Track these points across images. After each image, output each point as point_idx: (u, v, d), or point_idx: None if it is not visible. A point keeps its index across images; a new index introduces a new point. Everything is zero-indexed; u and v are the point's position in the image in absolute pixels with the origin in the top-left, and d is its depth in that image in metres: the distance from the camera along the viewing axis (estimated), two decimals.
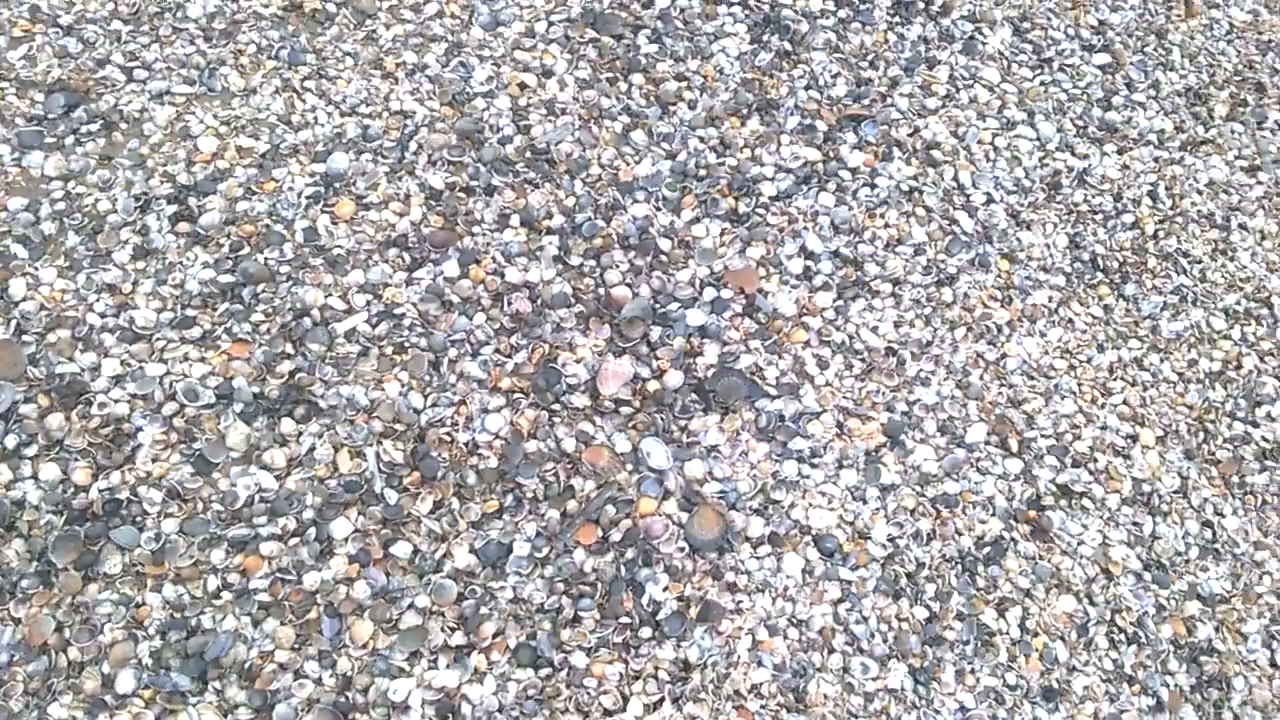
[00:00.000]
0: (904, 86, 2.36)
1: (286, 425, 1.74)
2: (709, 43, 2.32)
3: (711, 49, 2.31)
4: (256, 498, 1.68)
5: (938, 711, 1.75)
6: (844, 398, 1.97)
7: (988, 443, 2.01)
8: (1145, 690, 1.85)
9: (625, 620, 1.70)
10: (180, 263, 1.85)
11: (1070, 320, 2.19)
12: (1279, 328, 2.27)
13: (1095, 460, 2.03)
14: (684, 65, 2.27)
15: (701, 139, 2.18)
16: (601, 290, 1.96)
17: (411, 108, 2.07)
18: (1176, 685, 1.87)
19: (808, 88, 2.31)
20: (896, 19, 2.47)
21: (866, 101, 2.31)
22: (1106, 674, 1.85)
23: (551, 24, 2.25)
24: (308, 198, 1.94)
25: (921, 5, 2.50)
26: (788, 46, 2.36)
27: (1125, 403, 2.12)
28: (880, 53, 2.41)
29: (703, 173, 2.14)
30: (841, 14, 2.43)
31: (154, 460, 1.69)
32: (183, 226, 1.88)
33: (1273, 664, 1.94)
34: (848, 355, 2.02)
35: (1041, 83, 2.46)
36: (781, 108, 2.26)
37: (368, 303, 1.87)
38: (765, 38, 2.36)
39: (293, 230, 1.91)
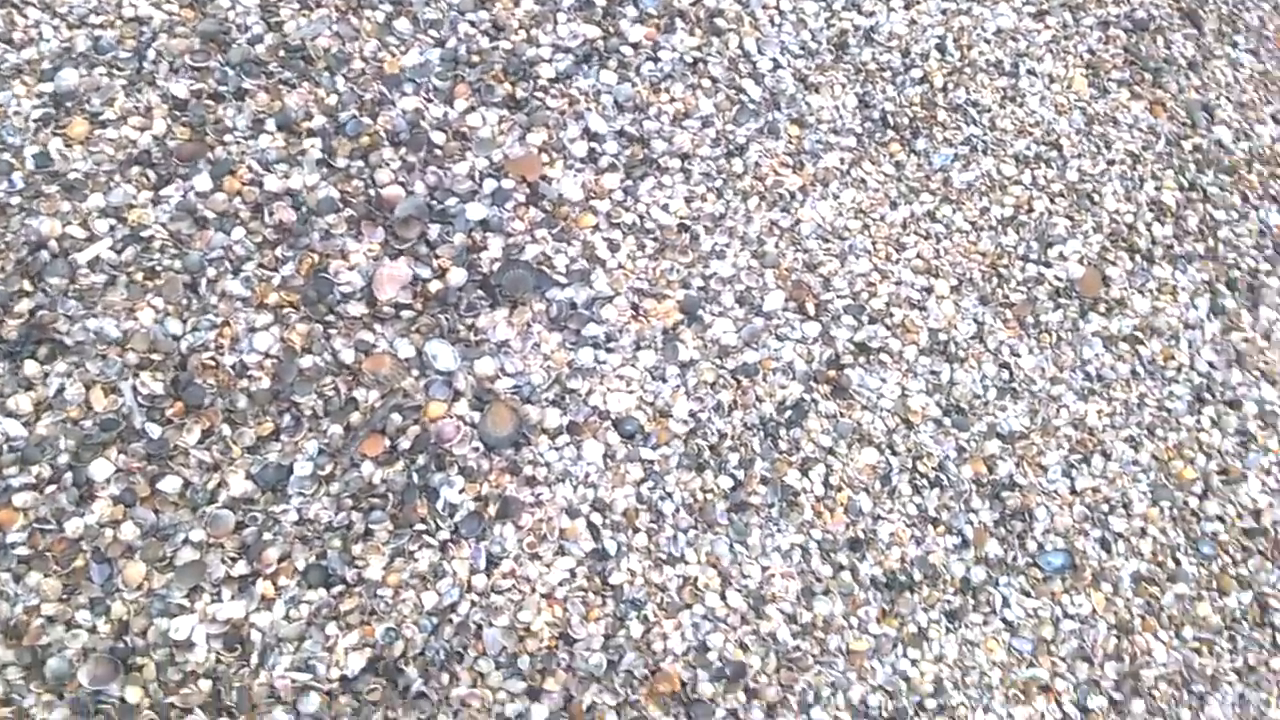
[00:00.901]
0: None
1: (30, 368, 1.58)
2: None
3: None
4: (4, 447, 1.53)
5: (747, 575, 1.70)
6: (638, 279, 1.89)
7: (785, 309, 1.95)
8: (950, 530, 1.85)
9: (421, 527, 1.61)
10: None
11: (863, 180, 2.12)
12: (1068, 168, 2.24)
13: (891, 315, 2.00)
14: None
15: (472, 23, 2.03)
16: (372, 192, 1.82)
17: (147, 13, 1.87)
18: (980, 522, 1.87)
19: None
20: None
21: None
22: (911, 519, 1.83)
23: None
24: (36, 120, 1.74)
25: None
26: None
27: (919, 256, 2.07)
28: None
29: (475, 59, 1.99)
30: None
31: None
32: None
33: (1073, 491, 1.95)
34: (639, 235, 1.93)
35: None
36: None
37: (111, 228, 1.70)
38: None
39: (21, 158, 1.71)
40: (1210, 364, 2.15)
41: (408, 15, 1.99)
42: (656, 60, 2.09)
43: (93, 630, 1.47)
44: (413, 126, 1.89)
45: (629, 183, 1.96)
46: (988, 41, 2.35)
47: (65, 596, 1.48)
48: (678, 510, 1.72)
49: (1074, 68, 2.40)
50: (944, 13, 2.35)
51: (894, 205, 2.11)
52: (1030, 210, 2.18)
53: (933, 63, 2.28)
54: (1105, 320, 2.11)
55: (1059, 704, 1.80)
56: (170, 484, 1.55)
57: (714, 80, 2.10)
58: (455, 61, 1.98)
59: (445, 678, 1.55)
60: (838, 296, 1.98)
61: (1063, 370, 2.04)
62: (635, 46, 2.09)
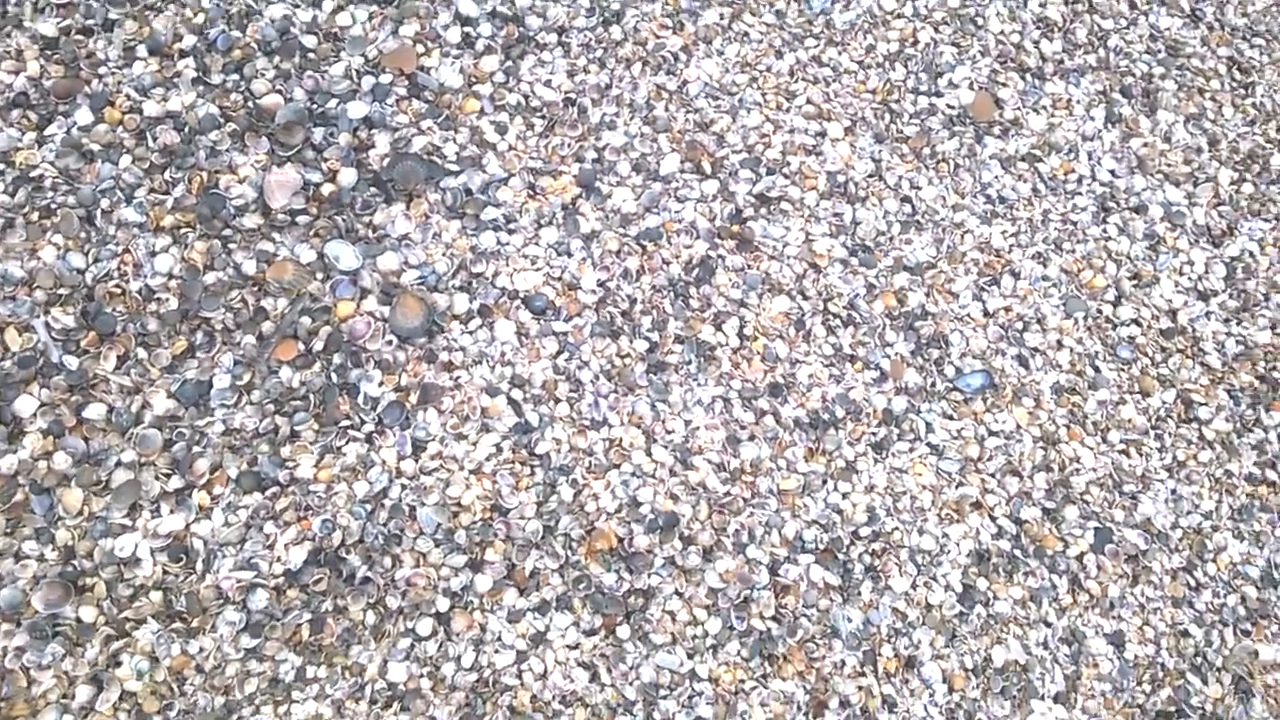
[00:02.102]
0: None
1: None
2: None
3: None
4: None
5: (671, 430, 1.88)
6: (530, 158, 2.02)
7: (682, 171, 2.09)
8: (868, 365, 2.02)
9: (345, 423, 1.76)
10: None
11: (745, 33, 2.26)
12: None
13: (788, 164, 2.14)
14: None
15: None
16: (251, 104, 1.94)
17: None
18: (897, 354, 2.04)
19: None
20: None
21: None
22: (828, 359, 2.00)
23: None
24: None
25: None
26: None
27: (810, 101, 2.22)
28: None
29: None
30: None
31: None
32: None
33: (985, 314, 2.13)
34: (526, 115, 2.06)
35: None
36: None
37: (0, 172, 1.81)
38: None
39: None
40: (1112, 173, 2.32)
41: None
42: None
43: (41, 559, 1.62)
44: (283, 34, 2.00)
45: (509, 63, 2.09)
46: None
47: (9, 530, 1.63)
48: (596, 378, 1.88)
49: None
50: None
51: (779, 55, 2.25)
52: (915, 43, 2.33)
53: None
54: (1002, 142, 2.28)
55: (992, 518, 2.00)
56: (95, 411, 1.70)
57: None
58: None
59: (387, 561, 1.73)
60: (733, 152, 2.13)
61: (964, 197, 2.20)
62: None
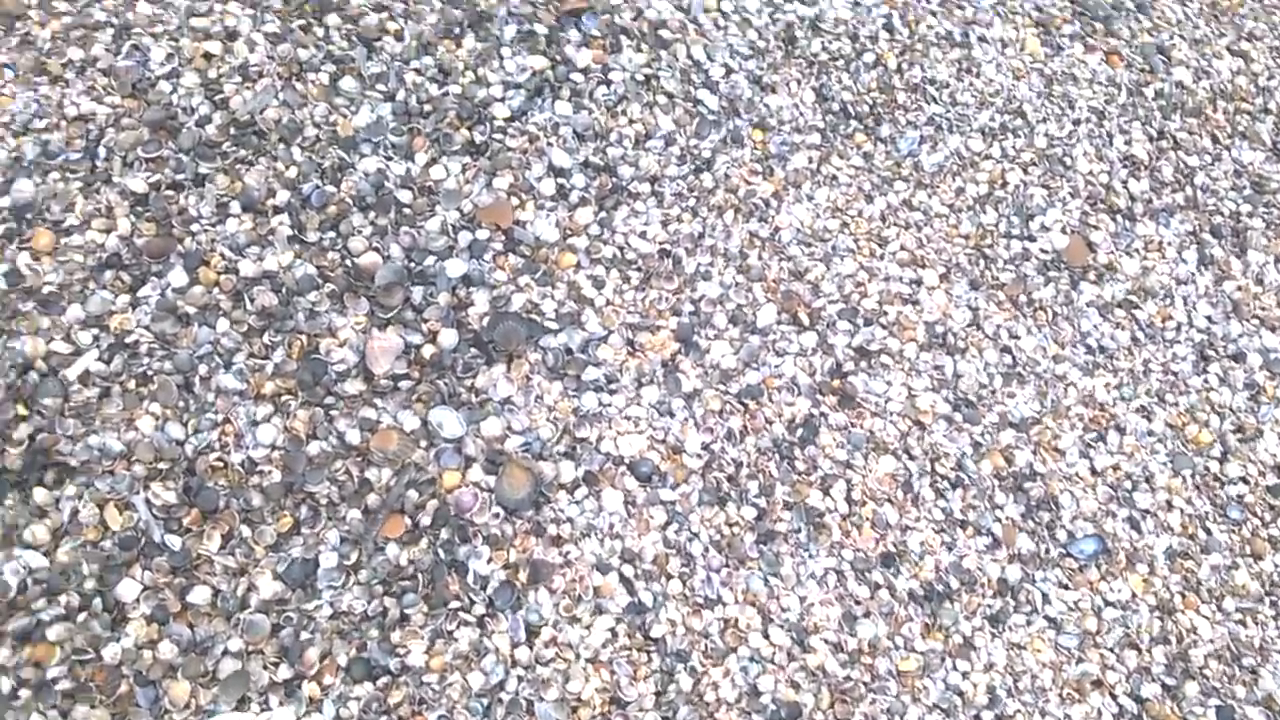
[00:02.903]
0: None
1: (40, 495, 1.72)
2: None
3: None
4: (29, 581, 1.67)
5: (786, 608, 1.89)
6: (628, 313, 2.06)
7: (779, 322, 2.13)
8: (979, 531, 2.04)
9: (455, 605, 1.77)
10: None
11: (834, 177, 2.31)
12: (1035, 134, 2.45)
13: (885, 314, 2.19)
14: None
15: (418, 70, 2.18)
16: (349, 262, 1.97)
17: (91, 109, 2.00)
18: (1008, 518, 2.07)
19: None
20: None
21: None
22: (938, 524, 2.03)
23: None
24: (0, 237, 1.87)
25: None
26: None
27: (903, 248, 2.27)
28: None
29: (428, 108, 2.15)
30: None
31: None
32: None
33: (1093, 472, 2.16)
34: (622, 268, 2.10)
35: None
36: (495, 18, 2.27)
37: (95, 338, 1.83)
38: None
39: None
40: (1208, 318, 2.37)
41: (351, 73, 2.14)
42: (609, 83, 2.26)
43: None
44: (378, 188, 2.04)
45: (603, 214, 2.13)
46: (934, 14, 2.55)
47: None
48: (706, 550, 1.90)
49: (1024, 28, 2.61)
50: None
51: (869, 199, 2.30)
52: (1005, 184, 2.39)
53: (883, 44, 2.48)
54: (1097, 288, 2.33)
55: (1113, 697, 2.01)
56: (200, 595, 1.70)
57: (669, 96, 2.28)
58: (408, 114, 2.13)
59: None
60: (829, 302, 2.17)
61: (1064, 346, 2.25)
62: (585, 72, 2.26)
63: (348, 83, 2.13)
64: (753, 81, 2.34)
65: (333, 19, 2.19)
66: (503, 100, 2.18)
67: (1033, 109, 2.47)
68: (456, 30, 2.24)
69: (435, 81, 2.18)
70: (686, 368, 2.03)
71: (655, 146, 2.21)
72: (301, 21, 2.18)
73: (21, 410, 1.76)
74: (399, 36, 2.21)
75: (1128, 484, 2.15)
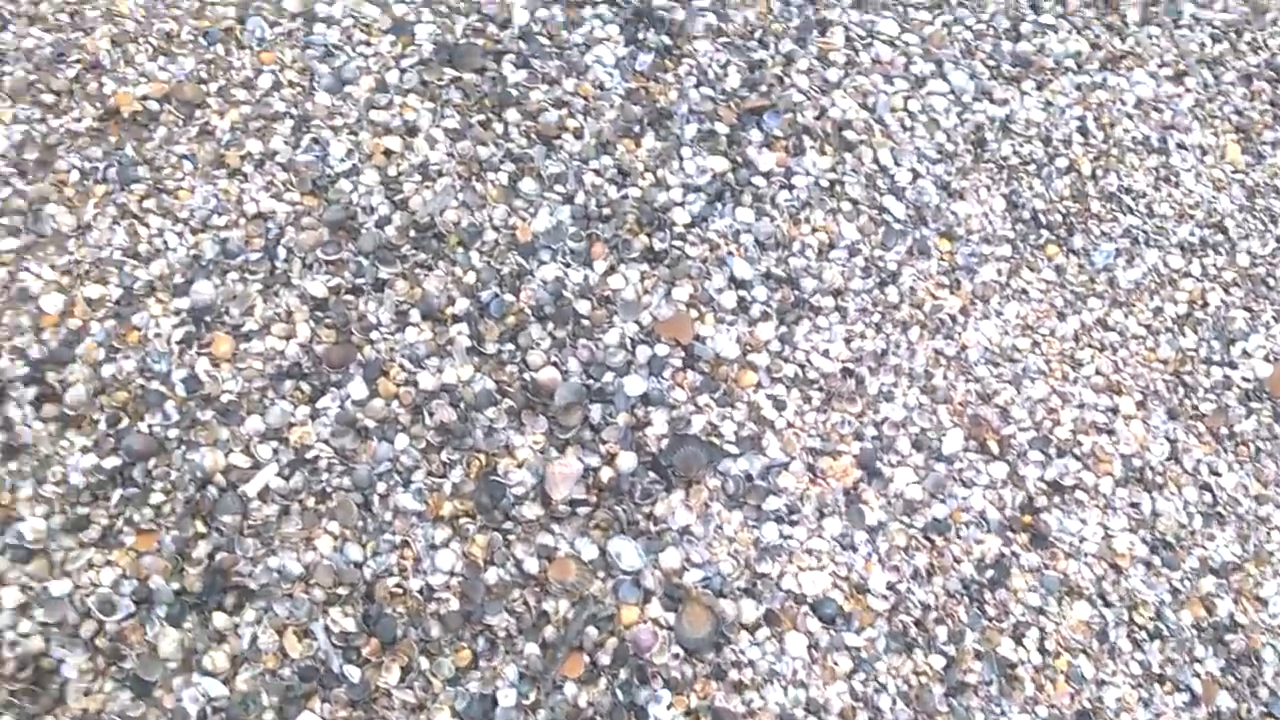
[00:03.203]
0: (800, 62, 2.34)
1: (220, 619, 1.70)
2: (581, 54, 2.26)
3: (585, 61, 2.25)
4: (208, 710, 1.65)
5: None
6: (809, 436, 1.99)
7: (967, 449, 2.05)
8: (1178, 687, 1.94)
9: None
10: (55, 454, 1.77)
11: (1024, 291, 2.23)
12: (1236, 252, 2.35)
13: (1080, 444, 2.10)
14: (560, 88, 2.22)
15: (597, 171, 2.15)
16: (528, 376, 1.93)
17: (270, 207, 1.99)
18: (1207, 673, 1.96)
19: (698, 85, 2.28)
20: None
21: (764, 89, 2.29)
22: (1136, 679, 1.93)
23: (404, 71, 2.18)
24: (179, 342, 1.86)
25: None
26: (667, 40, 2.32)
27: (1098, 372, 2.18)
28: (768, 27, 2.38)
29: (606, 211, 2.11)
30: None
31: (86, 695, 1.64)
32: (49, 410, 1.80)
33: None
34: (803, 388, 2.04)
35: (943, 24, 2.47)
36: (675, 115, 2.23)
37: (275, 451, 1.81)
38: (641, 35, 2.31)
39: (170, 385, 1.83)
40: None
41: (530, 173, 2.11)
42: (791, 188, 2.20)
43: None
44: (556, 297, 2.00)
45: (784, 329, 2.07)
46: (1130, 116, 2.45)
47: None
48: (894, 703, 1.82)
49: (1224, 134, 2.50)
50: (1079, 88, 2.46)
51: (1062, 316, 2.21)
52: (1205, 305, 2.28)
53: (1077, 148, 2.39)
54: None
55: None
56: None
57: (854, 202, 2.21)
58: (587, 218, 2.09)
59: None
60: (1019, 429, 2.09)
61: (1267, 486, 2.13)
62: (767, 176, 2.20)
63: (527, 184, 2.10)
64: (940, 187, 2.27)
65: (512, 114, 2.16)
66: (683, 205, 2.14)
67: (1234, 224, 2.37)
68: (636, 129, 2.20)
69: (614, 183, 2.14)
70: (869, 497, 1.96)
71: (839, 257, 2.15)
72: (481, 117, 2.15)
73: (200, 527, 1.75)
74: (578, 134, 2.17)
75: None
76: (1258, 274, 2.34)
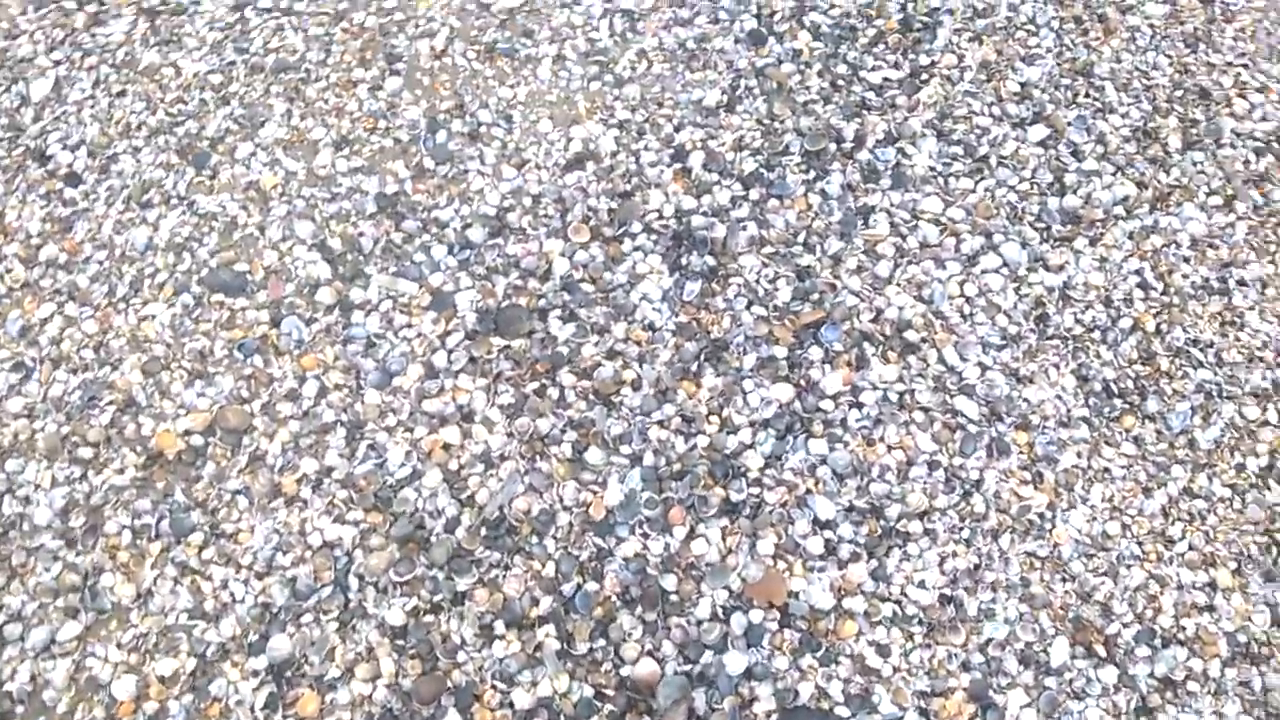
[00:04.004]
0: (848, 260, 2.19)
1: None
2: (626, 293, 2.11)
3: (632, 300, 2.10)
4: None
5: None
6: (918, 678, 1.87)
7: (1074, 657, 1.92)
8: None
9: None
10: None
11: (1106, 470, 2.09)
12: None
13: (1183, 629, 1.97)
14: (610, 337, 2.07)
15: (661, 423, 2.00)
16: (625, 672, 1.80)
17: (335, 534, 1.85)
18: None
19: (749, 305, 2.12)
20: (812, 175, 2.28)
21: (816, 297, 2.14)
22: None
23: (451, 350, 2.02)
24: (263, 708, 1.73)
25: (832, 147, 2.30)
26: (711, 261, 2.16)
27: (1191, 548, 2.04)
28: (810, 226, 2.22)
29: (677, 467, 1.96)
30: (753, 195, 2.23)
31: None
32: None
33: None
34: (904, 625, 1.91)
35: (986, 190, 2.30)
36: (732, 345, 2.08)
37: None
38: (684, 260, 2.15)
39: None
40: None
41: (594, 439, 1.96)
42: (860, 405, 2.06)
43: None
44: (640, 575, 1.87)
45: (874, 564, 1.94)
46: (1187, 260, 2.29)
47: None
48: None
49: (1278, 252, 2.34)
50: (1132, 237, 2.30)
51: (1148, 492, 2.07)
52: None
53: (1139, 305, 2.24)
54: None
55: None
56: None
57: (926, 410, 2.07)
58: (659, 479, 1.95)
59: None
60: (1123, 625, 1.96)
61: None
62: (834, 399, 2.05)
63: (593, 453, 1.96)
64: (1009, 375, 2.12)
65: (566, 377, 2.02)
66: (753, 446, 1.99)
67: None
68: (694, 367, 2.05)
69: (681, 434, 1.99)
70: None
71: (919, 475, 2.01)
72: (535, 384, 2.00)
73: None
74: (636, 386, 2.02)
75: None
76: None
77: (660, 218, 2.18)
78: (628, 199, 2.20)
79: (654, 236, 2.16)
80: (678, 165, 2.24)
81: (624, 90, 2.33)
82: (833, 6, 2.48)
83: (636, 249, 2.15)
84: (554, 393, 2.01)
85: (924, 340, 2.13)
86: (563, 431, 1.97)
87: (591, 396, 2.01)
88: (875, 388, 2.07)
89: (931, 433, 2.06)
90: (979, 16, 2.55)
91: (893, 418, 2.06)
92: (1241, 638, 1.98)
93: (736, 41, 2.41)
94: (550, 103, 2.30)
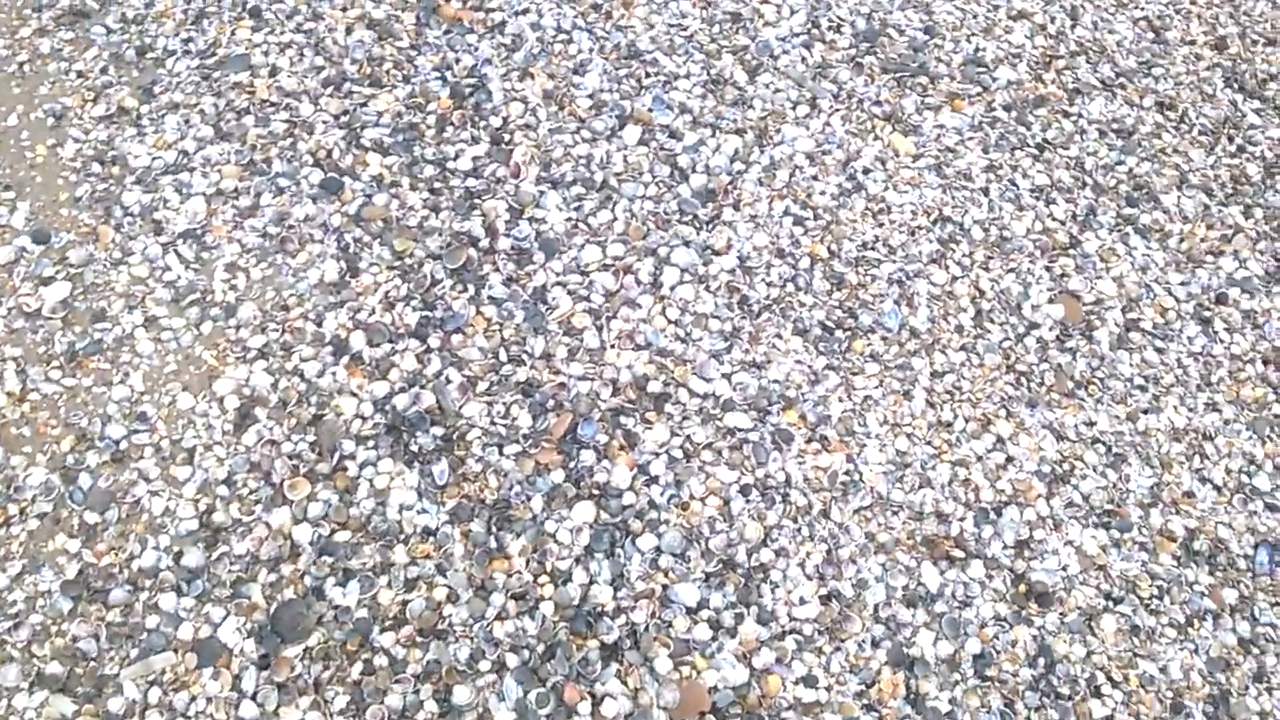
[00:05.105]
0: (557, 351, 2.04)
1: None
2: (383, 517, 1.84)
3: (391, 519, 1.84)
4: None
5: None
6: (849, 684, 1.83)
7: (943, 573, 1.96)
8: None
9: None
10: None
11: (867, 398, 2.12)
12: None
13: (1002, 492, 2.05)
14: (397, 568, 1.81)
15: (500, 617, 1.80)
16: None
17: None
18: None
19: (501, 450, 1.93)
20: (470, 289, 2.07)
21: (551, 404, 1.97)
22: None
23: (255, 695, 1.69)
24: None
25: (472, 252, 2.10)
26: (439, 431, 1.93)
27: (966, 420, 2.12)
28: (503, 340, 2.04)
29: (541, 648, 1.78)
30: (433, 342, 2.00)
31: None
32: None
33: None
34: (810, 646, 1.86)
35: (624, 211, 2.18)
36: (511, 499, 1.89)
37: None
38: (414, 446, 1.91)
39: None
40: None
41: (449, 677, 1.73)
42: (655, 480, 1.94)
43: None
44: None
45: (756, 610, 1.86)
46: (815, 177, 2.30)
47: None
48: None
49: None
50: (760, 182, 2.27)
51: (907, 395, 2.12)
52: None
53: (804, 240, 2.23)
54: None
55: None
56: None
57: (708, 446, 1.99)
58: (533, 672, 1.76)
59: None
60: (958, 520, 2.01)
61: None
62: (631, 489, 1.92)
63: (460, 693, 1.73)
64: (750, 368, 2.07)
65: (384, 637, 1.75)
66: (593, 580, 1.85)
67: None
68: (493, 543, 1.84)
69: (523, 614, 1.80)
70: None
71: (740, 506, 1.94)
72: (358, 666, 1.72)
73: None
74: (454, 598, 1.79)
75: None
76: None
77: (363, 420, 1.91)
78: (320, 422, 1.90)
79: (371, 443, 1.89)
80: (345, 359, 1.96)
81: (239, 315, 2.00)
82: (380, 116, 2.23)
83: (364, 466, 1.87)
84: (382, 660, 1.73)
85: (666, 384, 2.02)
86: (416, 692, 1.71)
87: (419, 637, 1.75)
88: (658, 454, 1.94)
89: (725, 462, 1.96)
90: (511, 50, 2.38)
91: (689, 472, 1.94)
92: (1046, 469, 2.06)
93: (315, 201, 2.12)
94: (173, 373, 1.94)
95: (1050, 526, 2.02)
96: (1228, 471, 2.14)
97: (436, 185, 2.15)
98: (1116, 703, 1.87)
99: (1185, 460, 2.15)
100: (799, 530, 1.91)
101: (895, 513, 1.98)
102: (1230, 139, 2.57)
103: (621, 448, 1.94)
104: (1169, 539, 2.06)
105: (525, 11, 2.39)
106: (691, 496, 1.92)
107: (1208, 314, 2.31)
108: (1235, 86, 2.67)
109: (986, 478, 2.04)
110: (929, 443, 2.06)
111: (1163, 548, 2.05)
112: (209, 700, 1.66)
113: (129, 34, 2.28)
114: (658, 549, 1.86)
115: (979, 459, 2.06)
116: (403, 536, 1.82)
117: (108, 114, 2.18)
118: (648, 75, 2.35)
